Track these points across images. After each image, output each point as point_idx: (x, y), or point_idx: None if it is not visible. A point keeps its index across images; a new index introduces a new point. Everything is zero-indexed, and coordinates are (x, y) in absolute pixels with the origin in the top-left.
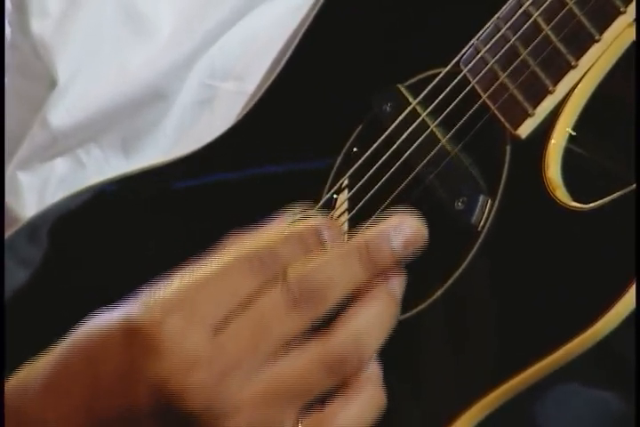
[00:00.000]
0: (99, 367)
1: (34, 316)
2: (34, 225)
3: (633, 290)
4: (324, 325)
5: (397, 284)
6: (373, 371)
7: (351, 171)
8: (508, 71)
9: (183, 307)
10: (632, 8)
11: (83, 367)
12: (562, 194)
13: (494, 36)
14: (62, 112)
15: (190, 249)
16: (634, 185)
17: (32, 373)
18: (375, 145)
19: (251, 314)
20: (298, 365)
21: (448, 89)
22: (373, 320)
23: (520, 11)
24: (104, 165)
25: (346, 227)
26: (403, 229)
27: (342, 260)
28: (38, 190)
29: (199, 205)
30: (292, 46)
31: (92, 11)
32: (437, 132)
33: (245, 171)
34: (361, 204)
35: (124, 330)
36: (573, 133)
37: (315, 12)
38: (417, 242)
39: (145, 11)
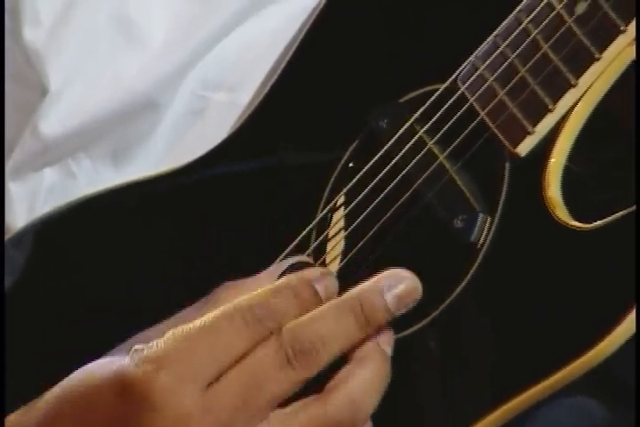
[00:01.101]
0: (90, 421)
1: (19, 325)
2: (23, 235)
3: (634, 311)
4: (318, 380)
5: (388, 342)
6: None
7: (347, 188)
8: (507, 89)
9: (176, 362)
10: (632, 27)
11: (73, 419)
12: (562, 213)
13: (492, 54)
14: (53, 121)
15: (179, 261)
16: (634, 206)
17: (23, 420)
18: (372, 162)
19: (243, 371)
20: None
21: (446, 106)
22: (369, 383)
23: (519, 28)
24: (94, 176)
25: (342, 246)
26: (396, 285)
27: (336, 318)
28: (28, 200)
29: (192, 217)
30: (287, 58)
31: (84, 20)
32: (435, 150)
33: (240, 181)
34: (358, 221)
35: (117, 384)
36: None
37: (310, 23)
38: (411, 299)
39: (138, 20)
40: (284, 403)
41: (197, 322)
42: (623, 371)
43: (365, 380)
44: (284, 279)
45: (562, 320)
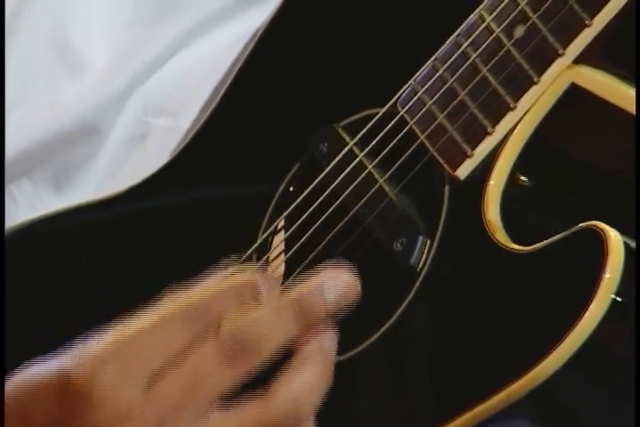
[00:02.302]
0: (31, 419)
1: None
2: None
3: (574, 332)
4: (259, 378)
5: (332, 343)
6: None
7: (287, 212)
8: (447, 112)
9: (116, 360)
10: (570, 50)
11: (15, 419)
12: (501, 236)
13: (432, 77)
14: None
15: (119, 286)
16: (575, 228)
17: None
18: (312, 186)
19: (184, 367)
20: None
21: (386, 130)
22: (310, 383)
23: (458, 51)
24: (35, 201)
25: (282, 269)
26: (336, 283)
27: (275, 314)
28: None
29: (132, 243)
30: (228, 82)
31: (23, 45)
32: (375, 173)
33: (181, 204)
34: (298, 245)
35: (57, 382)
36: (524, 179)
37: (250, 48)
38: (350, 296)
39: (78, 46)
40: (228, 405)
41: (137, 321)
42: (563, 393)
43: (307, 381)
44: (226, 282)
45: (502, 342)
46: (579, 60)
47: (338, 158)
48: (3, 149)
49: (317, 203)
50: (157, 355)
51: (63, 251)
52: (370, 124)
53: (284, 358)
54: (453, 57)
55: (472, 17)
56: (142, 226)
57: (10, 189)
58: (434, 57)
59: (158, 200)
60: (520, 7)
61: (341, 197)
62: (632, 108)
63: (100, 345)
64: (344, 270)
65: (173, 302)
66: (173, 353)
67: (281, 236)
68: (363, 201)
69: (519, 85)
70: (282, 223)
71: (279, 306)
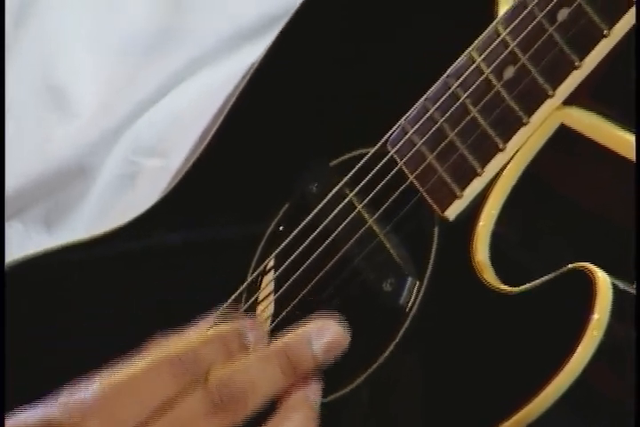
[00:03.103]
0: None
1: None
2: None
3: (563, 373)
4: None
5: (316, 393)
6: None
7: (277, 251)
8: (436, 152)
9: (103, 410)
10: (560, 91)
11: None
12: (490, 276)
13: (422, 117)
14: None
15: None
16: (563, 269)
17: None
18: (302, 225)
19: (170, 418)
20: None
21: (375, 170)
22: None
23: (448, 92)
24: (26, 241)
25: (271, 309)
26: (324, 334)
27: (263, 366)
28: None
29: (121, 283)
30: (220, 121)
31: (12, 84)
32: (365, 214)
33: (171, 245)
34: (287, 285)
35: None
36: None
37: (242, 86)
38: (338, 348)
39: (66, 85)
40: None
41: (125, 370)
42: None
43: None
44: (213, 330)
45: (491, 383)
46: (568, 102)
47: (328, 198)
48: (3, 150)
49: (307, 242)
50: (144, 405)
51: (50, 291)
52: (360, 164)
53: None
54: (443, 97)
55: (462, 58)
56: (130, 267)
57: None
58: (424, 97)
59: (146, 241)
60: (510, 48)
61: (331, 237)
62: (621, 150)
63: (86, 394)
64: (332, 321)
65: (161, 352)
66: (160, 403)
67: (270, 275)
68: (352, 241)
69: (509, 126)
70: (271, 263)
71: (266, 356)
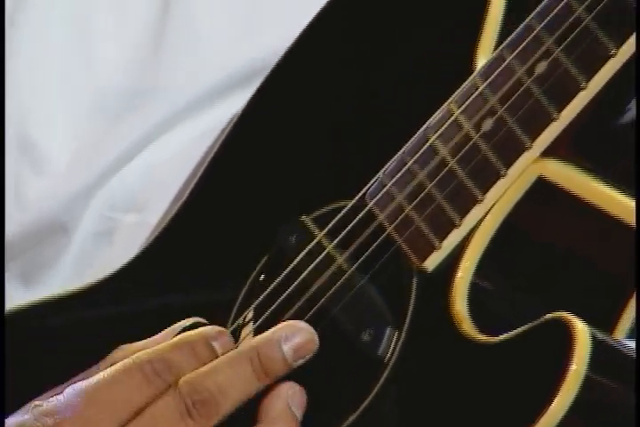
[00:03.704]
0: None
1: None
2: None
3: (540, 424)
4: None
5: (300, 404)
6: None
7: (256, 303)
8: (414, 204)
9: (75, 416)
10: (538, 143)
11: None
12: (468, 327)
13: (400, 170)
14: None
15: None
16: (542, 319)
17: None
18: (280, 277)
19: (142, 423)
20: None
21: (354, 222)
22: None
23: (426, 145)
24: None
25: None
26: (293, 335)
27: (233, 366)
28: None
29: (101, 335)
30: (197, 177)
31: None
32: (344, 265)
33: (149, 301)
34: None
35: None
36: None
37: (220, 141)
38: (308, 349)
39: (39, 142)
40: None
41: (97, 376)
42: None
43: None
44: (181, 336)
45: None
46: (546, 154)
47: (307, 250)
48: (3, 152)
49: (286, 294)
50: (117, 410)
51: (28, 346)
52: (339, 217)
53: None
54: (422, 150)
55: (441, 110)
56: (104, 326)
57: None
58: (402, 150)
59: (123, 297)
60: (488, 101)
61: (310, 289)
62: (598, 202)
63: (59, 400)
64: (302, 323)
65: (132, 357)
66: (133, 409)
67: (249, 327)
68: (331, 292)
69: (487, 178)
70: (250, 315)
71: (236, 358)
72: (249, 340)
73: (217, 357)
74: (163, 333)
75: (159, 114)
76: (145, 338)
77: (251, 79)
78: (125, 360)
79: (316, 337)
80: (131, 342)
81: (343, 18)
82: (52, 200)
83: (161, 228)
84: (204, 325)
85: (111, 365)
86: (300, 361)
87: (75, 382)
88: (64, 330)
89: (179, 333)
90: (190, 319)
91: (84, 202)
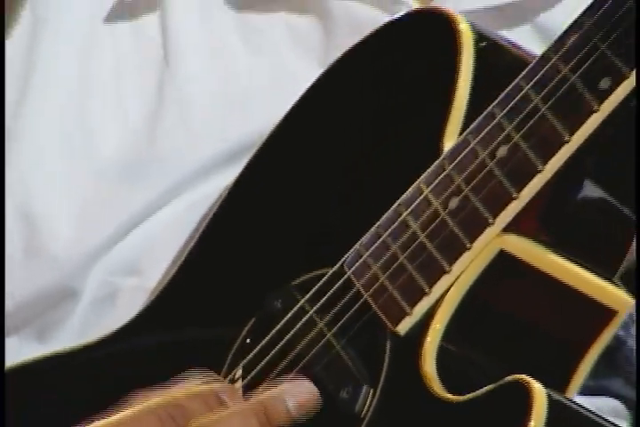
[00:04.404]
0: None
1: None
2: None
3: None
4: None
5: None
6: None
7: (244, 362)
8: (388, 274)
9: None
10: (499, 220)
11: None
12: (437, 386)
13: (375, 242)
14: None
15: None
16: (503, 380)
17: None
18: (267, 339)
19: None
20: None
21: (334, 288)
22: None
23: (399, 220)
24: (19, 352)
25: None
26: (297, 391)
27: (241, 418)
28: None
29: (106, 384)
30: (192, 244)
31: None
32: (324, 328)
33: (142, 362)
34: (254, 394)
35: None
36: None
37: (213, 211)
38: (310, 403)
39: (41, 212)
40: None
41: (116, 417)
42: None
43: None
44: (194, 389)
45: None
46: (507, 229)
47: (290, 314)
48: (3, 150)
49: (272, 354)
50: None
51: (42, 393)
52: (319, 284)
53: None
54: (394, 224)
55: (412, 189)
56: (110, 375)
57: None
58: (377, 224)
59: (125, 350)
60: (454, 181)
61: (294, 350)
62: (555, 273)
63: None
64: (306, 381)
65: (148, 404)
66: None
67: (238, 384)
68: (313, 352)
69: (453, 251)
70: (239, 373)
71: (245, 409)
72: (257, 395)
73: (227, 408)
74: (178, 384)
75: (157, 186)
76: (141, 383)
77: (240, 155)
78: (142, 405)
79: (317, 394)
80: (128, 387)
81: (322, 103)
82: (60, 268)
83: (158, 291)
84: (213, 376)
85: (127, 406)
86: (303, 414)
87: (92, 422)
88: (75, 378)
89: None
90: (202, 371)
91: (89, 268)
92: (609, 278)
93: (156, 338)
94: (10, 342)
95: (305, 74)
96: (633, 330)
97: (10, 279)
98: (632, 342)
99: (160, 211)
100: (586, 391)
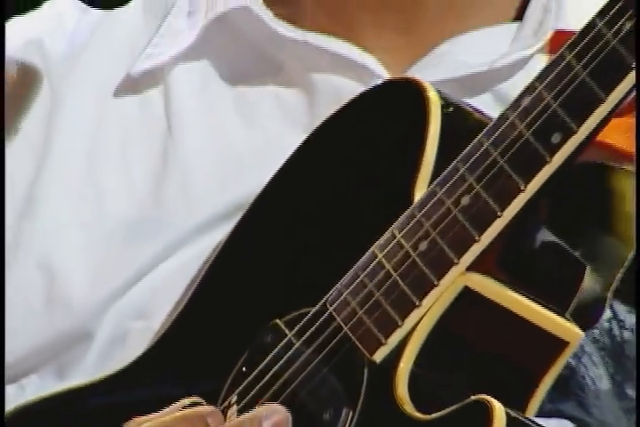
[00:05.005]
0: None
1: None
2: None
3: None
4: None
5: None
6: None
7: (239, 390)
8: (364, 309)
9: None
10: (464, 260)
11: None
12: (409, 407)
13: (354, 282)
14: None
15: None
16: (467, 400)
17: None
18: (258, 369)
19: None
20: None
21: (317, 324)
22: None
23: (374, 261)
24: (40, 388)
25: None
26: (272, 414)
27: None
28: None
29: (109, 416)
30: (191, 290)
31: (17, 270)
32: (309, 358)
33: (149, 391)
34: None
35: None
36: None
37: (210, 262)
38: (284, 424)
39: (60, 266)
40: None
41: None
42: None
43: None
44: (181, 412)
45: None
46: (471, 268)
47: (279, 347)
48: (3, 151)
49: (263, 382)
50: None
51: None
52: (305, 320)
53: None
54: (371, 265)
55: (386, 233)
56: (113, 410)
57: (20, 382)
58: (356, 265)
59: (128, 385)
60: (423, 226)
61: (283, 377)
62: (512, 307)
63: None
64: (278, 405)
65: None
66: None
67: (234, 408)
68: (299, 379)
69: (423, 288)
70: (234, 399)
71: None
72: (235, 418)
73: None
74: (167, 409)
75: (161, 243)
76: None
77: (234, 214)
78: None
79: (289, 416)
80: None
81: (305, 164)
82: (77, 313)
83: (161, 332)
84: (200, 403)
85: None
86: None
87: None
88: (77, 415)
89: (180, 409)
90: (190, 399)
91: (103, 313)
92: (561, 314)
93: (159, 374)
94: (31, 380)
95: (292, 142)
96: (584, 359)
97: (32, 324)
98: (583, 370)
99: (164, 263)
100: (542, 414)
